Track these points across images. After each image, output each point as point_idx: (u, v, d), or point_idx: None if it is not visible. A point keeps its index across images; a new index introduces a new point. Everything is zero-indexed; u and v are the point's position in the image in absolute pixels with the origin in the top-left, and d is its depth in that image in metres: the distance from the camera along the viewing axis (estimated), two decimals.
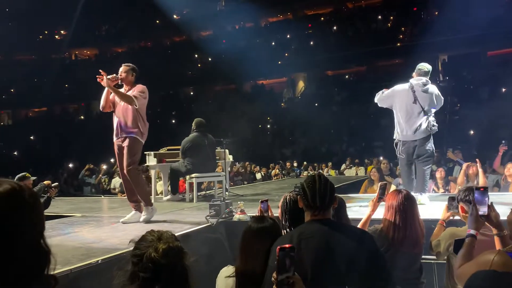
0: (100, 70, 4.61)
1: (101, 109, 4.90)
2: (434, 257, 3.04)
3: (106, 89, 4.74)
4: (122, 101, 4.72)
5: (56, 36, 32.64)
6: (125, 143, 4.70)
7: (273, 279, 1.65)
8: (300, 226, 2.13)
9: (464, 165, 6.45)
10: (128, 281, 1.60)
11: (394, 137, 5.31)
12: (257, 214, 2.98)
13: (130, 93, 4.73)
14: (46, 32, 32.35)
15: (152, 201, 7.04)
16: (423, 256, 2.92)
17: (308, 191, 2.13)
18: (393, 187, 5.81)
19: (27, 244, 1.09)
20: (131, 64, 4.93)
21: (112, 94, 4.77)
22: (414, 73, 5.32)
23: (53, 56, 30.35)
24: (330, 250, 1.98)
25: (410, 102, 5.10)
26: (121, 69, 4.86)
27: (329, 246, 1.99)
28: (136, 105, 4.65)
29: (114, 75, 4.76)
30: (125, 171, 4.71)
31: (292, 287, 1.65)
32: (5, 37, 29.15)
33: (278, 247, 1.65)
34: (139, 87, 4.83)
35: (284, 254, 1.62)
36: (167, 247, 1.60)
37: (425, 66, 5.28)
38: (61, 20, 29.59)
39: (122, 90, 4.84)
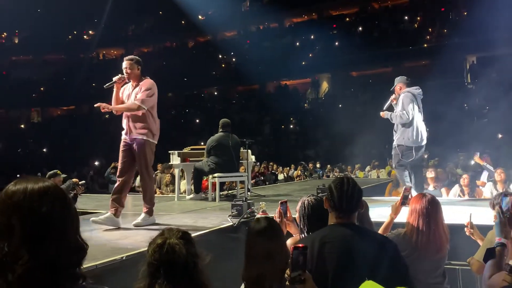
0: (95, 105, 4.48)
1: (114, 113, 4.65)
2: (458, 262, 2.99)
3: (114, 91, 4.57)
4: (130, 111, 4.48)
5: (85, 37, 33.38)
6: (135, 146, 4.47)
7: (286, 275, 1.77)
8: (324, 229, 2.12)
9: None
10: (141, 279, 1.67)
11: (401, 143, 5.43)
12: (275, 216, 2.99)
13: (137, 90, 4.50)
14: (75, 32, 33.13)
15: (175, 199, 7.21)
16: (447, 261, 2.88)
17: (336, 193, 2.12)
18: (414, 192, 5.79)
19: (65, 240, 1.14)
20: (134, 57, 4.65)
21: (121, 93, 4.60)
22: (400, 84, 5.58)
23: (81, 56, 31.06)
24: (353, 255, 1.97)
25: (417, 110, 5.43)
26: (124, 64, 4.58)
27: (352, 251, 1.98)
28: (144, 108, 4.43)
29: (120, 75, 4.54)
30: (143, 174, 4.54)
31: (303, 283, 1.77)
32: (36, 37, 30.05)
33: (292, 246, 1.77)
34: (146, 83, 4.54)
35: (298, 252, 1.75)
36: (162, 242, 1.64)
37: (407, 77, 5.67)
38: (89, 21, 30.29)
39: (129, 85, 4.63)
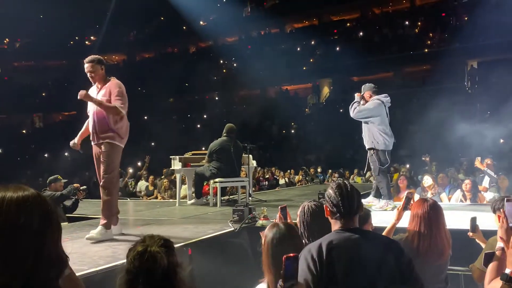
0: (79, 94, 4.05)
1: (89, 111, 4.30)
2: (461, 267, 2.97)
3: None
4: (109, 114, 4.10)
5: (86, 42, 33.50)
6: (102, 149, 4.14)
7: (279, 286, 1.75)
8: (329, 234, 2.09)
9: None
10: (119, 286, 1.62)
11: (371, 147, 5.59)
12: (275, 221, 2.96)
13: (103, 92, 4.13)
14: (76, 38, 33.25)
15: (177, 205, 7.20)
16: (449, 267, 2.86)
17: (336, 197, 2.11)
18: (416, 196, 5.82)
19: (44, 253, 1.08)
20: (95, 57, 4.22)
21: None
22: (369, 92, 5.76)
23: (83, 62, 31.13)
24: (361, 259, 1.96)
25: (385, 116, 5.62)
26: (86, 67, 4.18)
27: (360, 255, 1.97)
28: (123, 114, 4.11)
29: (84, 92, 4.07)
30: (104, 179, 4.14)
31: None
32: (38, 43, 30.17)
33: (284, 256, 1.73)
34: (114, 85, 4.14)
35: (290, 262, 1.73)
36: (142, 249, 1.59)
37: (374, 85, 5.88)
38: (90, 27, 30.41)
39: (94, 87, 4.25)
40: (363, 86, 5.94)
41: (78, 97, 4.05)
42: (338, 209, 2.09)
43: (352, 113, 5.71)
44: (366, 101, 5.76)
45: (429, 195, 6.24)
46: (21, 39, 33.02)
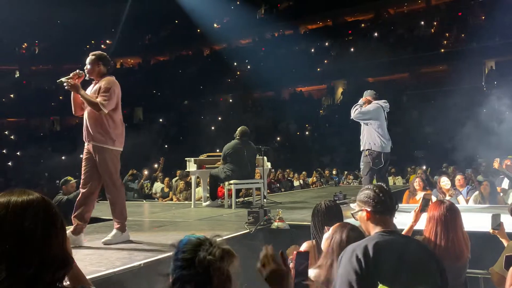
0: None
1: (73, 113, 4.20)
2: (480, 271, 2.92)
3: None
4: (91, 108, 3.95)
5: (102, 46, 33.93)
6: (95, 154, 3.99)
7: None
8: (372, 236, 2.06)
9: None
10: (173, 286, 1.54)
11: (368, 148, 5.79)
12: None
13: (96, 88, 4.01)
14: (92, 42, 33.71)
15: (192, 206, 7.24)
16: (468, 270, 2.81)
17: (378, 196, 2.10)
18: (433, 198, 5.76)
19: (48, 255, 1.10)
20: (98, 52, 4.14)
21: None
22: (369, 98, 6.02)
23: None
24: (408, 262, 1.95)
25: (383, 119, 5.84)
26: (87, 61, 4.12)
27: (407, 259, 1.96)
28: (105, 112, 3.91)
29: (77, 71, 4.06)
30: (107, 184, 3.99)
31: None
32: (55, 47, 30.70)
33: (295, 252, 1.76)
34: (105, 82, 3.99)
35: (301, 258, 1.75)
36: (222, 250, 1.53)
37: (375, 92, 6.16)
38: (106, 31, 30.82)
39: (91, 86, 4.14)
40: (364, 92, 6.23)
41: (66, 87, 3.97)
42: (383, 206, 2.07)
43: (353, 114, 5.93)
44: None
45: (447, 197, 6.15)
46: (39, 43, 33.65)
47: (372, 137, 5.77)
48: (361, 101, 6.04)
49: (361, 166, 5.95)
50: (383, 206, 2.07)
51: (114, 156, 4.00)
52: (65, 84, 3.96)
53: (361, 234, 2.22)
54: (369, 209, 2.10)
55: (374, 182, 6.33)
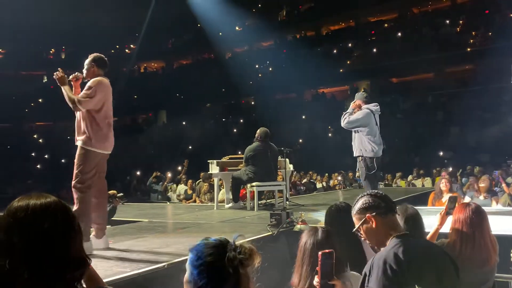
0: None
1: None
2: (510, 275, 2.84)
3: (73, 90, 4.05)
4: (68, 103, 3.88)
5: (126, 50, 34.54)
6: (77, 151, 3.88)
7: (315, 282, 1.77)
8: (394, 242, 1.95)
9: None
10: None
11: (360, 154, 5.82)
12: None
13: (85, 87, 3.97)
14: (117, 46, 34.35)
15: (215, 208, 7.28)
16: (497, 274, 2.74)
17: (376, 199, 2.05)
18: (467, 199, 5.74)
19: (67, 255, 1.14)
20: (95, 55, 4.13)
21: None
22: (359, 101, 6.00)
23: (123, 69, 32.18)
24: (432, 264, 1.93)
25: (374, 124, 5.86)
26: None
27: (430, 260, 1.94)
28: (81, 109, 3.82)
29: (77, 73, 4.09)
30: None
31: None
32: (81, 53, 31.38)
33: (320, 252, 1.76)
34: (91, 82, 3.93)
35: (326, 258, 1.75)
36: (250, 248, 1.48)
37: (365, 95, 6.21)
38: (130, 35, 31.34)
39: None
40: (355, 95, 6.30)
41: (54, 76, 3.96)
42: (384, 205, 2.03)
43: (342, 123, 5.96)
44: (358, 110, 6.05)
45: (481, 197, 6.04)
46: (66, 49, 34.46)
47: (363, 144, 5.82)
48: (350, 108, 6.06)
49: (357, 173, 6.08)
50: (384, 205, 2.03)
51: (88, 157, 3.81)
52: (54, 75, 3.96)
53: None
54: (373, 213, 2.01)
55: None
